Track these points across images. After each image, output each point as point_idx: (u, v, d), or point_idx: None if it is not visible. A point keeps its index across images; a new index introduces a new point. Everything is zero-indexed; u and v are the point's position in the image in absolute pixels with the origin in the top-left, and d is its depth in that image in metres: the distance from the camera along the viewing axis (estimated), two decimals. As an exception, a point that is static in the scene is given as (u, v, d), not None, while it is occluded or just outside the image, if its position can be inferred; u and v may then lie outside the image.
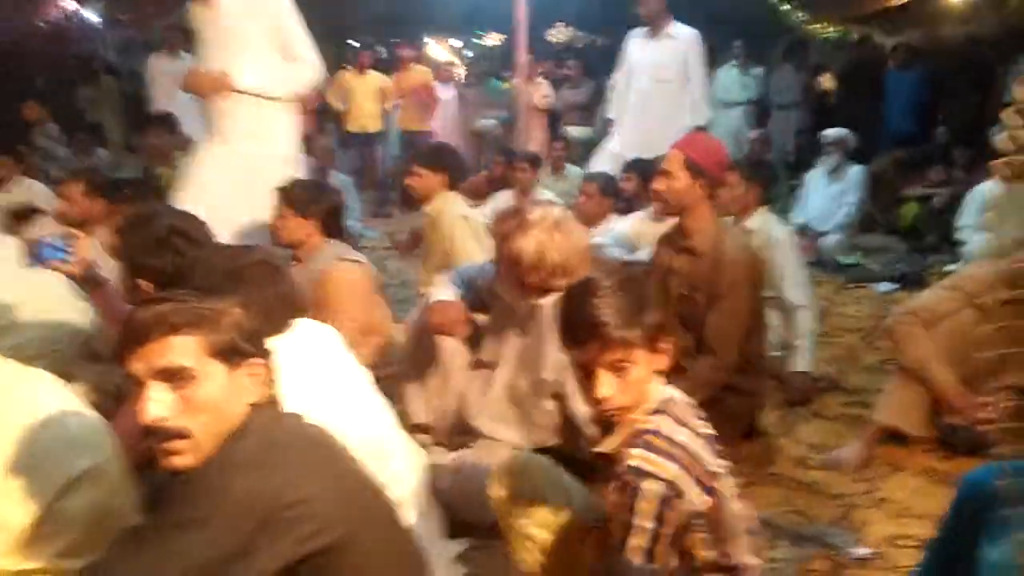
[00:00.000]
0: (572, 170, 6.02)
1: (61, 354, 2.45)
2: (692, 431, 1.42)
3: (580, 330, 1.38)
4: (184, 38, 6.77)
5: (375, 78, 7.90)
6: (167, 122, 5.28)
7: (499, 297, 2.24)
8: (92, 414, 1.53)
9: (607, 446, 1.45)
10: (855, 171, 5.55)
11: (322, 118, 8.33)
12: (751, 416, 2.73)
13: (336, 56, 10.67)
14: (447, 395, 2.38)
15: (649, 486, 1.30)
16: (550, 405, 2.11)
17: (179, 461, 1.20)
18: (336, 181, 6.56)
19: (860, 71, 7.58)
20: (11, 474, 1.31)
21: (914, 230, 5.72)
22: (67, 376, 1.95)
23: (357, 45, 10.74)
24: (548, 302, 2.10)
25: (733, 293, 2.44)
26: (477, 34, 12.05)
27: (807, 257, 4.54)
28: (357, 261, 2.85)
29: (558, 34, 11.87)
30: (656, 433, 1.38)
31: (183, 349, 1.19)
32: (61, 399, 1.48)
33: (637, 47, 4.79)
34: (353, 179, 7.12)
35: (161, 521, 1.18)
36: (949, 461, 2.56)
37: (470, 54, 11.82)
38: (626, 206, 4.26)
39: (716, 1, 8.28)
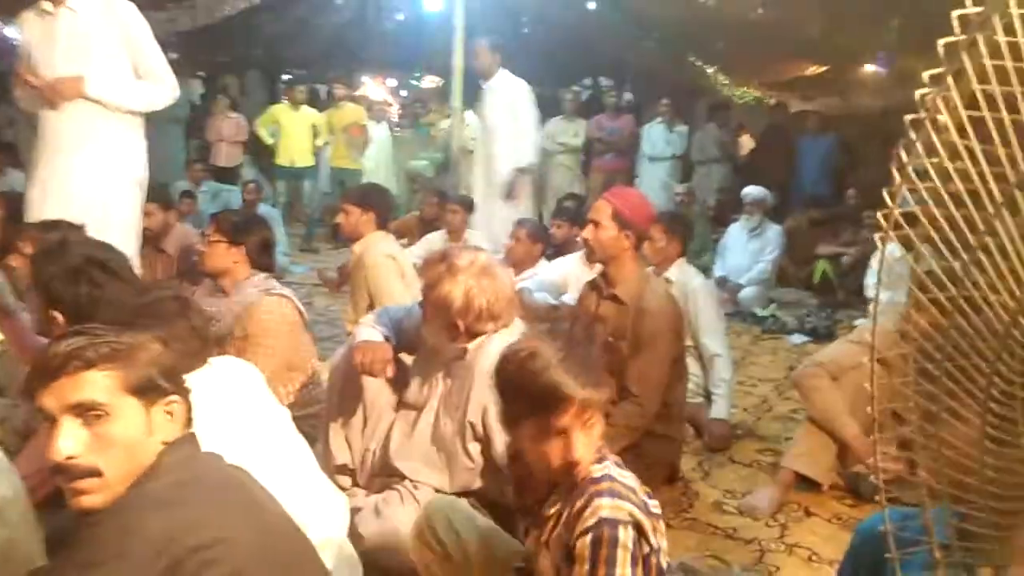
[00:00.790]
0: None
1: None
2: (625, 473, 1.45)
3: (543, 399, 1.38)
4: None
5: (308, 114, 7.87)
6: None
7: (425, 340, 2.25)
8: (-6, 451, 1.45)
9: (553, 506, 1.46)
10: (774, 230, 5.83)
11: (244, 149, 8.25)
12: (671, 462, 2.79)
13: (271, 90, 10.61)
14: (370, 436, 2.35)
15: (625, 533, 1.32)
16: (474, 448, 2.11)
17: (88, 501, 1.15)
18: (263, 214, 6.49)
19: (776, 134, 8.02)
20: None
21: (825, 285, 6.02)
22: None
23: (288, 78, 10.70)
24: (474, 346, 2.12)
25: (656, 341, 2.52)
26: (415, 76, 12.17)
27: (726, 308, 4.71)
28: (284, 295, 2.81)
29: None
30: (612, 478, 1.40)
31: (98, 385, 1.15)
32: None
33: (481, 99, 5.07)
34: (280, 213, 7.03)
35: (67, 563, 1.12)
36: (857, 508, 2.67)
37: (406, 94, 11.90)
38: (555, 252, 4.35)
39: (644, 61, 8.66)
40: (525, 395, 1.41)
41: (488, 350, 2.11)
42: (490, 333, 2.12)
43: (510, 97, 4.86)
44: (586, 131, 7.67)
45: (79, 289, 1.95)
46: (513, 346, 1.49)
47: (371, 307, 3.24)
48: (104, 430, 1.15)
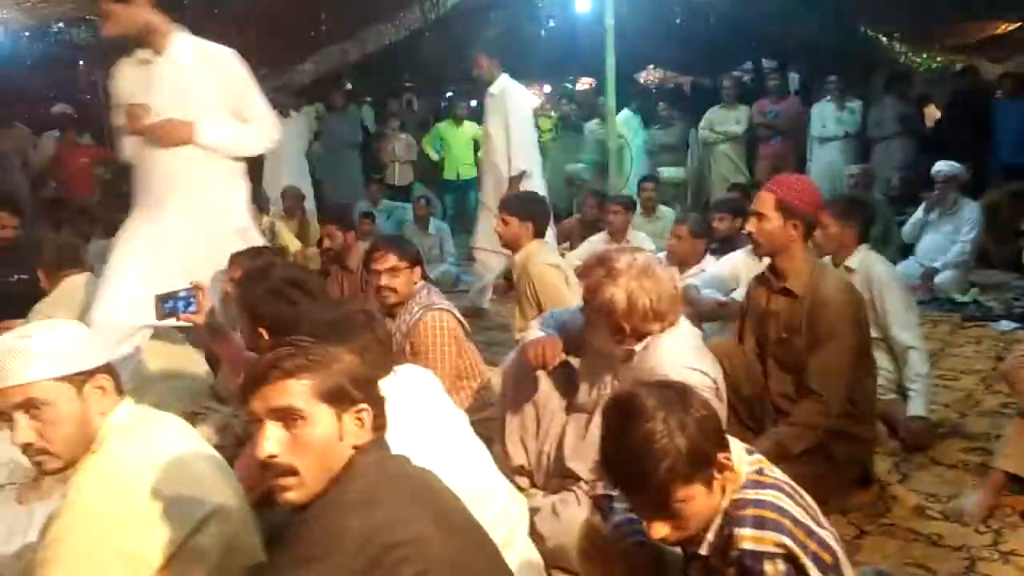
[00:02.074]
0: (664, 211, 6.01)
1: (186, 400, 2.63)
2: (794, 495, 1.38)
3: (636, 484, 1.33)
4: (296, 101, 7.19)
5: (469, 128, 8.18)
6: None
7: (590, 343, 2.27)
8: (217, 455, 1.64)
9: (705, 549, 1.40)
10: (970, 207, 5.29)
11: (415, 168, 8.68)
12: (862, 463, 2.62)
13: (435, 109, 11.10)
14: (544, 439, 2.41)
15: (773, 567, 1.27)
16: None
17: (288, 496, 1.28)
18: (434, 227, 6.81)
19: (965, 101, 7.27)
20: (148, 513, 1.41)
21: (1034, 265, 5.38)
22: (192, 419, 2.10)
23: (450, 95, 11.14)
24: (641, 347, 2.11)
25: (835, 335, 2.38)
26: (569, 79, 12.25)
27: (919, 296, 4.34)
28: (444, 309, 2.93)
29: (649, 76, 11.93)
30: (760, 503, 1.34)
31: (296, 392, 1.28)
32: (190, 441, 1.59)
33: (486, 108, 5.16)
34: (450, 225, 7.34)
35: (282, 560, 1.25)
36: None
37: (561, 99, 12.02)
38: (721, 246, 4.22)
39: (809, 37, 8.17)
40: (615, 469, 1.37)
41: (656, 350, 2.10)
42: (657, 333, 2.11)
43: (508, 101, 4.97)
44: (749, 117, 7.37)
45: (280, 308, 2.16)
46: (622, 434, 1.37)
47: (538, 315, 3.30)
48: (301, 433, 1.27)
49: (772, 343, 2.52)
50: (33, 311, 3.12)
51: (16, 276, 3.55)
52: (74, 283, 3.29)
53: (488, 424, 2.68)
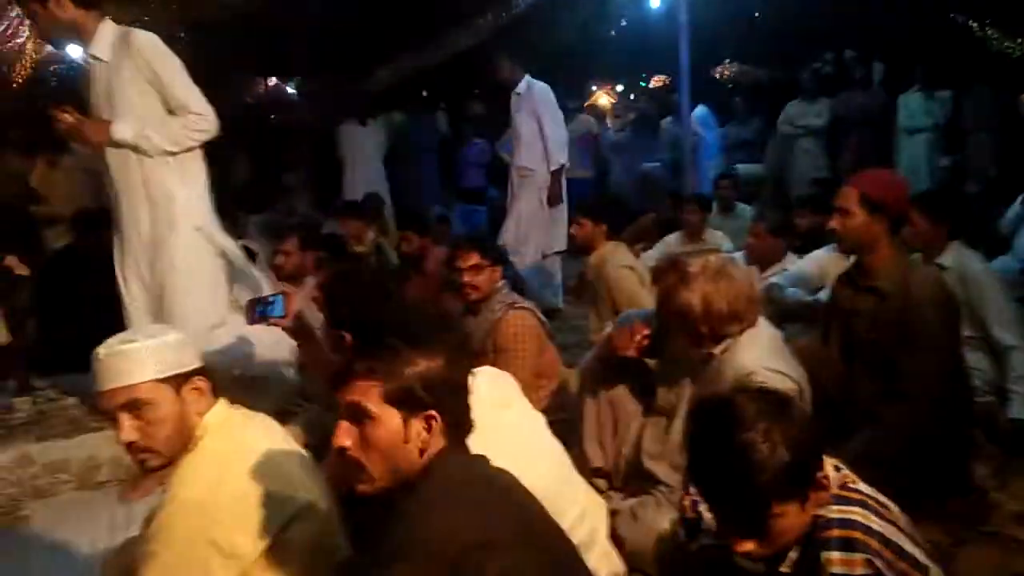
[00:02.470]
0: (742, 208, 5.88)
1: (276, 399, 2.74)
2: (882, 511, 1.32)
3: (729, 495, 1.28)
4: (374, 109, 7.38)
5: (540, 130, 8.21)
6: (361, 208, 5.67)
7: (668, 347, 2.25)
8: (305, 454, 1.70)
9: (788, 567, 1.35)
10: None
11: (489, 171, 8.77)
12: (959, 468, 2.50)
13: (506, 111, 11.18)
14: (622, 441, 2.40)
15: None
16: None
17: (360, 488, 1.34)
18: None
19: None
20: (242, 509, 1.48)
21: None
22: (282, 418, 2.18)
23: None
24: (720, 349, 2.08)
25: (926, 335, 2.29)
26: (642, 77, 12.13)
27: (1019, 292, 4.10)
28: (526, 307, 2.95)
29: (724, 71, 11.69)
30: (847, 523, 1.29)
31: (365, 393, 1.33)
32: (281, 440, 1.66)
33: (511, 107, 5.25)
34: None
35: (366, 560, 1.29)
36: None
37: (633, 97, 11.90)
38: (803, 243, 4.10)
39: (894, 24, 7.84)
40: (707, 481, 1.33)
41: (736, 352, 2.06)
42: (736, 335, 2.07)
43: (536, 97, 5.05)
44: (830, 109, 7.13)
45: (361, 312, 2.22)
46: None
47: (614, 318, 3.29)
48: (368, 432, 1.32)
49: (859, 344, 2.44)
50: None
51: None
52: None
53: (564, 426, 2.69)
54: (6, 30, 4.80)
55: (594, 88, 12.14)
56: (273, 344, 3.47)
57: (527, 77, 5.15)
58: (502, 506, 1.33)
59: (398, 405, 1.33)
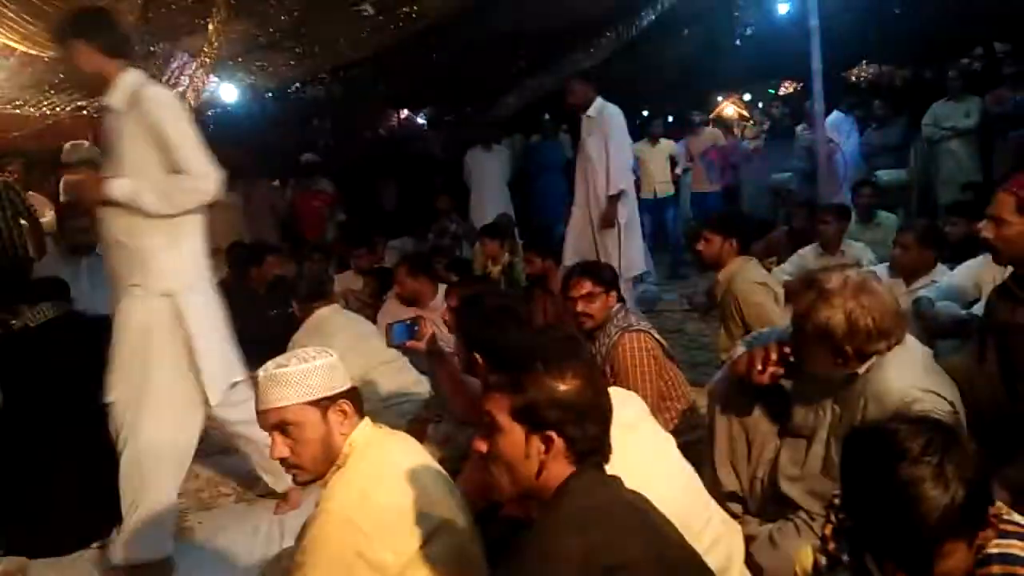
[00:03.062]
0: (884, 217, 5.56)
1: (414, 418, 2.86)
2: None
3: (894, 533, 1.20)
4: (498, 134, 7.60)
5: (666, 145, 8.13)
6: (496, 229, 5.83)
7: (806, 367, 2.15)
8: (442, 471, 1.78)
9: None
10: None
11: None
12: None
13: (630, 129, 11.14)
14: (756, 464, 2.32)
15: None
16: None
17: (496, 495, 1.44)
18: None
19: None
20: (386, 523, 1.57)
21: None
22: (418, 437, 2.28)
23: (645, 115, 11.11)
24: (864, 369, 1.98)
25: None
26: (771, 84, 11.74)
27: None
28: (641, 330, 2.92)
29: (860, 72, 11.12)
30: (1008, 560, 1.20)
31: (496, 404, 1.41)
32: (421, 457, 1.75)
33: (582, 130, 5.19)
34: (647, 243, 7.31)
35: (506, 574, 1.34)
36: None
37: (762, 106, 11.53)
38: (954, 254, 3.83)
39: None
40: (871, 522, 1.25)
41: (884, 372, 1.96)
42: (882, 352, 1.97)
43: (608, 121, 5.00)
44: (981, 109, 6.62)
45: (492, 334, 2.30)
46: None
47: (745, 335, 3.20)
48: (495, 441, 1.40)
49: (1019, 361, 2.25)
50: (292, 341, 3.54)
51: (290, 308, 4.02)
52: (321, 315, 3.70)
53: (695, 448, 2.63)
54: (168, 79, 5.31)
55: (719, 99, 11.88)
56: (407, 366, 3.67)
57: (599, 100, 5.12)
58: (639, 529, 1.34)
59: (522, 421, 1.39)
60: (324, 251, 6.42)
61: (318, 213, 7.81)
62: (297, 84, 7.02)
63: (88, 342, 2.99)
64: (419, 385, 3.64)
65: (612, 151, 5.01)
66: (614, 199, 5.01)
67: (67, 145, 5.21)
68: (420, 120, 10.84)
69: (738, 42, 9.16)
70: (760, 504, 2.30)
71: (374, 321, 4.28)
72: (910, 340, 2.03)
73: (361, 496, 1.59)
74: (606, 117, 5.09)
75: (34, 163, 5.88)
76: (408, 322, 2.65)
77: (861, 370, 1.99)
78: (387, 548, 1.54)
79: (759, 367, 2.13)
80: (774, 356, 2.12)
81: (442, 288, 4.24)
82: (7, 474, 2.91)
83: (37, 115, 5.32)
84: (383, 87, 7.48)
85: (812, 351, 2.02)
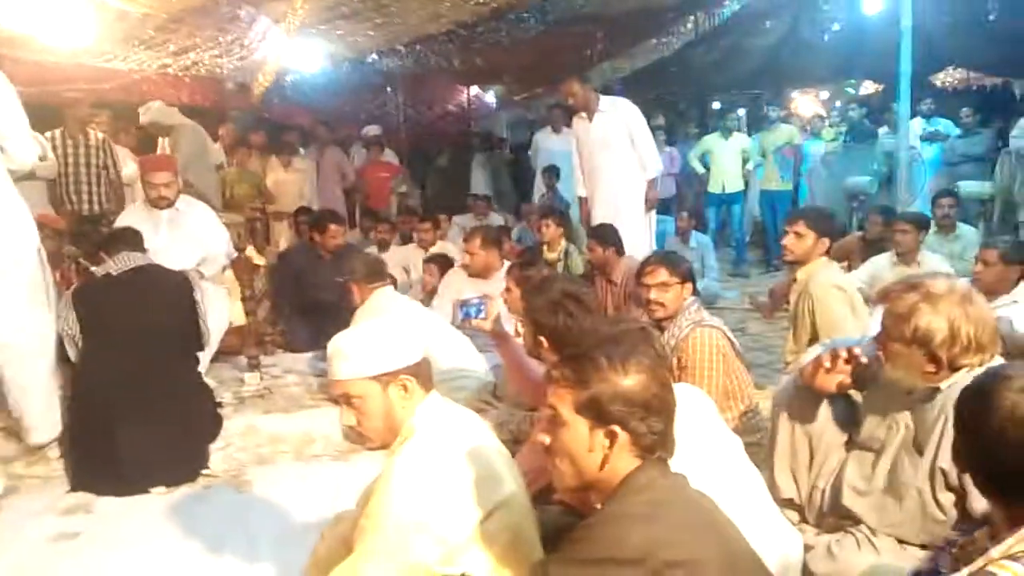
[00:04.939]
0: (964, 230, 5.36)
1: (470, 396, 2.89)
2: None
3: None
4: (566, 116, 7.59)
5: (738, 139, 7.96)
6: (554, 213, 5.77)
7: (886, 376, 2.10)
8: (504, 448, 1.79)
9: None
10: None
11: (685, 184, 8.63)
12: None
13: (701, 120, 10.94)
14: (818, 473, 2.28)
15: None
16: (946, 499, 1.91)
17: (555, 484, 1.47)
18: (695, 241, 6.72)
19: None
20: (450, 495, 1.59)
21: None
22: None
23: (719, 107, 10.90)
24: (947, 384, 1.92)
25: None
26: (850, 83, 11.37)
27: None
28: (714, 326, 2.88)
29: (947, 78, 10.68)
30: None
31: (561, 398, 1.42)
32: (485, 433, 1.76)
33: (581, 130, 5.15)
34: (711, 238, 7.19)
35: (566, 557, 1.34)
36: None
37: (839, 106, 11.17)
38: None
39: None
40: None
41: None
42: (974, 367, 1.90)
43: (624, 109, 5.04)
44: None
45: (558, 319, 2.30)
46: None
47: (813, 340, 3.12)
48: (558, 433, 1.41)
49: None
50: (354, 317, 3.59)
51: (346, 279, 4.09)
52: (380, 294, 3.77)
53: (754, 451, 2.60)
54: (250, 43, 5.41)
55: (793, 95, 11.55)
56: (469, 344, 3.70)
57: (603, 96, 5.14)
58: (702, 528, 1.33)
59: (586, 415, 1.38)
60: (390, 223, 6.50)
61: (384, 184, 7.90)
62: (373, 55, 7.07)
63: (166, 292, 3.10)
64: (476, 363, 3.68)
65: (640, 136, 5.04)
66: (652, 182, 5.06)
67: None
68: (489, 99, 10.84)
69: (825, 38, 8.89)
70: (818, 514, 2.26)
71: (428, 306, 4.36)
72: (998, 361, 1.96)
73: (425, 468, 1.61)
74: (622, 107, 5.08)
75: (120, 116, 6.08)
76: (475, 301, 2.69)
77: (945, 385, 1.92)
78: (448, 520, 1.55)
79: (827, 365, 2.10)
80: (843, 359, 2.08)
81: (506, 266, 4.26)
82: (83, 416, 3.04)
83: (126, 69, 5.49)
84: (457, 63, 7.48)
85: (903, 354, 1.95)
